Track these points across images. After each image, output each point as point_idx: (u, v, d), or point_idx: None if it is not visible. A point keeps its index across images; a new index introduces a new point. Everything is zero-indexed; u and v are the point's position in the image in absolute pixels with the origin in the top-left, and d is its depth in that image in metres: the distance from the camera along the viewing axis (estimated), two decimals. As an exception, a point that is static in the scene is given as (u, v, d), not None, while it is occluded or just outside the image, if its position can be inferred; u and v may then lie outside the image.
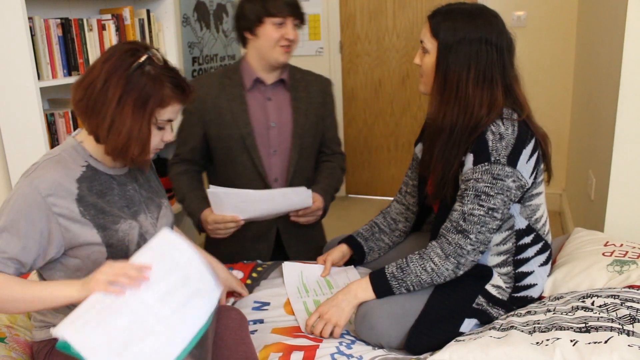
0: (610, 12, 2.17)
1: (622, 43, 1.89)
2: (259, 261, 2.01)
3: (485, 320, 1.53)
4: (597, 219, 2.16)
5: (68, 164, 1.29)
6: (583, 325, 1.30)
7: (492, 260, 1.56)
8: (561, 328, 1.30)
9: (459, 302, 1.52)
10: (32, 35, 2.07)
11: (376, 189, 4.22)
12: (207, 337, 1.36)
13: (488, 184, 1.44)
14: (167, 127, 1.31)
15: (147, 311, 1.11)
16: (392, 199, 1.90)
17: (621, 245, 1.67)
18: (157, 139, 1.30)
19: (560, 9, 3.43)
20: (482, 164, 1.45)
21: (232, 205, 1.81)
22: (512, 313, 1.49)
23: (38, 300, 1.17)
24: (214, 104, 1.99)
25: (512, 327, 1.37)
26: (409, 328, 1.49)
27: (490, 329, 1.40)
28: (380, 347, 1.51)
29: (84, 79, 1.26)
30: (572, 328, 1.30)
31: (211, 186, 1.78)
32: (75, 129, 2.25)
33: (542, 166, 1.55)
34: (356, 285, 1.55)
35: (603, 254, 1.64)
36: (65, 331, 1.02)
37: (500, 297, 1.55)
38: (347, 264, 1.90)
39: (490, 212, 1.45)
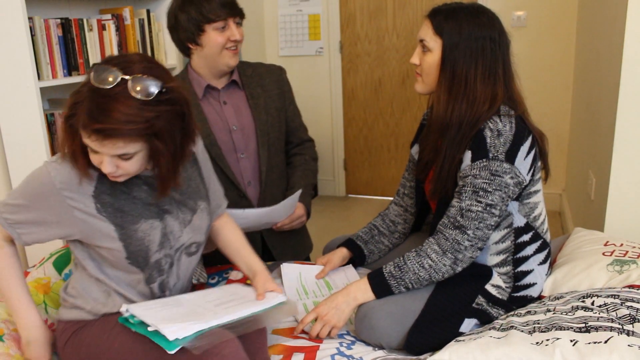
0: (610, 12, 2.17)
1: (622, 43, 1.89)
2: (259, 261, 2.00)
3: (485, 320, 1.53)
4: (597, 219, 2.16)
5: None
6: (583, 325, 1.30)
7: (491, 259, 1.56)
8: (561, 328, 1.30)
9: (458, 302, 1.52)
10: (32, 35, 2.07)
11: (376, 189, 4.22)
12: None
13: (486, 180, 1.45)
14: (100, 157, 1.18)
15: (198, 304, 1.35)
16: (392, 199, 1.90)
17: (621, 245, 1.68)
18: (94, 159, 1.20)
19: (560, 9, 3.43)
20: (480, 160, 1.45)
21: None
22: (512, 313, 1.49)
23: (6, 301, 1.36)
24: None
25: (512, 327, 1.37)
26: (409, 328, 1.49)
27: (490, 329, 1.40)
28: (380, 347, 1.51)
29: None
30: (572, 328, 1.30)
31: None
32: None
33: (539, 164, 1.56)
34: (355, 287, 1.55)
35: (603, 254, 1.64)
36: (132, 308, 1.29)
37: (500, 296, 1.55)
38: (346, 263, 1.90)
39: (488, 208, 1.45)
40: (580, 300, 1.43)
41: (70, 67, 2.27)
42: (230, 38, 1.84)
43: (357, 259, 1.85)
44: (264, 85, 2.02)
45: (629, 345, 1.22)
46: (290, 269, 1.87)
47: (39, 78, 2.10)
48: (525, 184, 1.50)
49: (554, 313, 1.39)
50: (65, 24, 2.23)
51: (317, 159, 2.16)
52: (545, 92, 3.55)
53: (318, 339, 1.52)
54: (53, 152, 2.17)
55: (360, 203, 4.14)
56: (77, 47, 2.28)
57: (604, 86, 2.23)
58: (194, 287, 1.75)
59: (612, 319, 1.31)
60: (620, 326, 1.28)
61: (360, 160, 4.20)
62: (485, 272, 1.56)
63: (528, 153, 1.48)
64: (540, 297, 1.61)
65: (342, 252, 1.86)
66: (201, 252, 1.49)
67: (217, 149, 1.93)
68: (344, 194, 4.26)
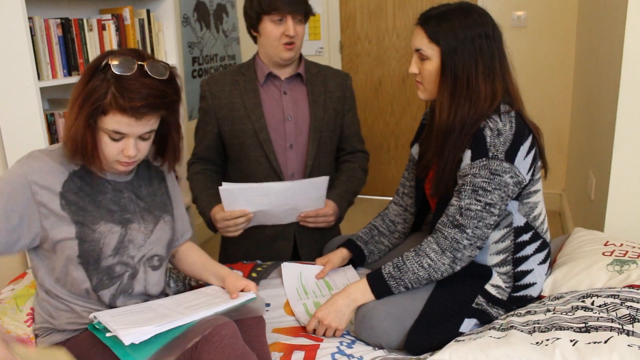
0: (610, 12, 2.17)
1: (622, 43, 1.89)
2: (259, 261, 2.00)
3: (485, 320, 1.53)
4: (597, 219, 2.16)
5: (61, 160, 1.33)
6: (583, 325, 1.30)
7: (491, 259, 1.56)
8: (561, 328, 1.30)
9: (458, 302, 1.52)
10: (32, 35, 2.07)
11: (376, 189, 4.22)
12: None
13: (485, 179, 1.45)
14: (126, 140, 1.28)
15: (170, 307, 1.35)
16: (392, 198, 1.90)
17: (621, 244, 1.68)
18: (111, 149, 1.29)
19: (560, 9, 3.43)
20: (480, 160, 1.45)
21: (245, 201, 1.78)
22: (511, 313, 1.49)
23: None
24: (228, 100, 1.98)
25: (512, 327, 1.37)
26: (409, 328, 1.49)
27: (490, 329, 1.40)
28: (380, 347, 1.52)
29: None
30: (572, 328, 1.30)
31: (224, 183, 1.75)
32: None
33: (539, 163, 1.56)
34: (354, 289, 1.55)
35: (603, 254, 1.64)
36: (100, 315, 1.30)
37: (500, 296, 1.55)
38: (346, 264, 1.89)
39: (487, 207, 1.45)
40: (580, 300, 1.43)
41: (70, 67, 2.27)
42: (285, 32, 1.88)
43: (357, 260, 1.85)
44: (327, 86, 2.05)
45: (629, 345, 1.21)
46: (290, 269, 1.87)
47: (39, 78, 2.09)
48: (525, 183, 1.50)
49: (554, 313, 1.39)
50: (65, 24, 2.23)
51: (367, 171, 2.17)
52: (545, 92, 3.54)
53: (322, 337, 1.52)
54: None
55: (360, 203, 4.14)
56: (77, 47, 2.28)
57: (604, 86, 2.23)
58: (192, 289, 1.75)
59: (612, 319, 1.31)
60: (620, 326, 1.28)
61: (360, 160, 4.20)
62: (485, 272, 1.56)
63: (528, 153, 1.48)
64: (540, 297, 1.61)
65: (342, 253, 1.85)
66: (165, 266, 1.50)
67: (266, 134, 1.96)
68: (344, 194, 4.26)
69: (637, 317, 1.31)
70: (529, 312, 1.45)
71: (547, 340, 1.28)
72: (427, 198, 1.74)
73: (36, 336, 1.43)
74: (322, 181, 1.84)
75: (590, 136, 2.54)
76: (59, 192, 1.31)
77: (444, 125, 1.51)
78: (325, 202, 1.93)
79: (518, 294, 1.56)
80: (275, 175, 1.99)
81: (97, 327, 1.28)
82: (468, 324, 1.52)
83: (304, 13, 1.92)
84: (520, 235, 1.54)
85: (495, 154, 1.44)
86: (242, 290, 1.44)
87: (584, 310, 1.36)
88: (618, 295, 1.40)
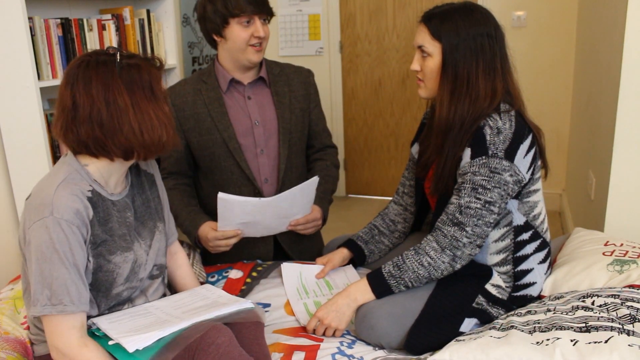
0: (610, 12, 2.17)
1: (622, 43, 1.89)
2: (259, 261, 2.00)
3: (485, 319, 1.53)
4: (597, 219, 2.16)
5: (76, 190, 1.22)
6: (583, 325, 1.30)
7: (491, 259, 1.56)
8: (561, 328, 1.30)
9: (458, 302, 1.52)
10: (32, 35, 2.07)
11: (376, 189, 4.22)
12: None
13: (485, 177, 1.45)
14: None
15: (167, 312, 1.33)
16: (392, 198, 1.90)
17: (621, 244, 1.68)
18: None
19: (560, 9, 3.43)
20: (480, 158, 1.45)
21: (240, 212, 1.72)
22: (512, 313, 1.49)
23: None
24: (192, 111, 1.93)
25: (512, 326, 1.37)
26: (409, 328, 1.49)
27: (490, 329, 1.40)
28: (381, 347, 1.52)
29: (78, 118, 1.20)
30: (572, 328, 1.30)
31: (221, 193, 1.67)
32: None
33: (539, 162, 1.56)
34: (355, 288, 1.55)
35: (603, 254, 1.64)
36: (98, 321, 1.27)
37: (500, 296, 1.55)
38: (346, 264, 1.89)
39: (487, 205, 1.45)
40: (581, 300, 1.43)
41: (70, 67, 2.27)
42: (254, 34, 1.84)
43: (357, 259, 1.85)
44: (291, 85, 2.01)
45: (629, 345, 1.21)
46: (290, 269, 1.87)
47: (39, 78, 2.10)
48: (524, 182, 1.50)
49: (554, 313, 1.39)
50: (65, 24, 2.23)
51: (338, 167, 2.15)
52: (545, 92, 3.55)
53: (322, 337, 1.52)
54: (53, 152, 2.17)
55: (361, 203, 4.14)
56: (77, 47, 2.28)
57: (604, 86, 2.23)
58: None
59: (612, 318, 1.31)
60: (620, 326, 1.28)
61: (360, 160, 4.20)
62: (485, 272, 1.56)
63: (528, 151, 1.49)
64: (540, 297, 1.61)
65: (343, 253, 1.85)
66: (165, 275, 1.49)
67: (235, 142, 1.93)
68: (344, 194, 4.26)
69: (637, 317, 1.31)
70: (529, 312, 1.45)
71: (548, 340, 1.28)
72: (427, 197, 1.74)
73: (32, 344, 1.38)
74: (312, 183, 1.78)
75: (590, 136, 2.54)
76: (89, 223, 1.23)
77: (444, 122, 1.52)
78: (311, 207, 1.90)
79: (518, 293, 1.56)
80: (249, 182, 1.95)
81: (97, 333, 1.26)
82: (468, 323, 1.52)
83: (269, 13, 1.87)
84: (520, 234, 1.54)
85: (495, 152, 1.45)
86: None
87: (585, 310, 1.36)
88: (618, 295, 1.40)
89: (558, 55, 3.50)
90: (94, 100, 1.19)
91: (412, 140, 1.80)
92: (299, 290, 1.77)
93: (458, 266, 1.49)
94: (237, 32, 1.83)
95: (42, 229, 1.17)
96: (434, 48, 1.51)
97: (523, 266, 1.56)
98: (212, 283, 1.85)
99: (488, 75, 1.49)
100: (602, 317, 1.32)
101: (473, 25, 1.48)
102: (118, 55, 1.22)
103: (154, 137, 1.23)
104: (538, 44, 3.51)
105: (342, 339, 1.54)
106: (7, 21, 1.98)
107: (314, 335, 1.54)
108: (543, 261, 1.59)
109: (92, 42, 2.36)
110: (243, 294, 1.77)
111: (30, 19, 2.05)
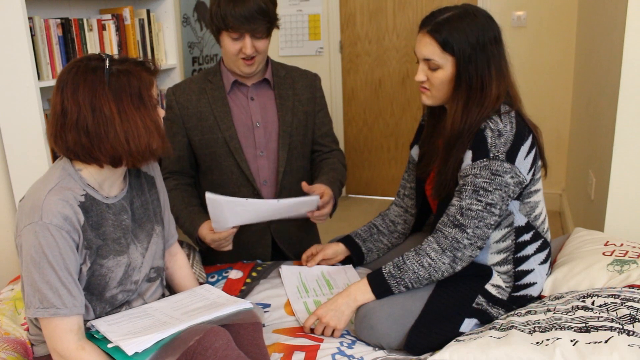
0: (610, 13, 2.17)
1: (622, 43, 1.89)
2: (259, 261, 2.00)
3: (485, 320, 1.53)
4: (597, 219, 2.16)
5: (68, 196, 1.22)
6: (583, 325, 1.30)
7: (491, 259, 1.56)
8: (561, 328, 1.30)
9: (458, 302, 1.52)
10: (32, 35, 2.07)
11: (376, 189, 4.22)
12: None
13: (486, 180, 1.45)
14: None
15: (166, 313, 1.33)
16: (392, 199, 1.90)
17: (621, 244, 1.68)
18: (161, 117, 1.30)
19: (560, 9, 3.43)
20: (481, 160, 1.45)
21: (230, 212, 1.71)
22: (512, 313, 1.49)
23: None
24: (196, 109, 1.93)
25: (512, 326, 1.37)
26: (409, 328, 1.49)
27: (490, 329, 1.40)
28: (381, 347, 1.52)
29: (66, 125, 1.20)
30: (572, 328, 1.30)
31: (208, 193, 1.66)
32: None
33: (539, 163, 1.56)
34: (355, 288, 1.55)
35: (603, 254, 1.64)
36: (97, 323, 1.28)
37: (500, 296, 1.55)
38: (345, 264, 1.89)
39: (488, 207, 1.45)
40: (581, 300, 1.43)
41: (70, 67, 2.27)
42: (242, 50, 1.82)
43: (354, 256, 1.85)
44: (295, 89, 2.00)
45: (629, 345, 1.22)
46: (290, 270, 1.87)
47: (39, 78, 2.10)
48: (525, 183, 1.50)
49: (554, 313, 1.39)
50: (65, 24, 2.23)
51: (346, 167, 2.12)
52: (545, 92, 3.55)
53: (322, 337, 1.52)
54: (53, 152, 2.17)
55: (360, 203, 4.14)
56: (77, 47, 2.28)
57: (604, 86, 2.23)
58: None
59: (612, 318, 1.31)
60: (620, 326, 1.28)
61: (360, 160, 4.20)
62: (485, 272, 1.56)
63: (528, 152, 1.48)
64: (540, 297, 1.61)
65: (338, 246, 1.85)
66: (164, 277, 1.49)
67: (237, 143, 1.93)
68: (344, 194, 4.26)
69: (637, 317, 1.31)
70: (529, 312, 1.45)
71: (548, 340, 1.28)
72: (427, 199, 1.74)
73: (32, 344, 1.38)
74: (313, 201, 1.77)
75: (590, 136, 2.54)
76: (81, 228, 1.23)
77: (457, 130, 1.50)
78: (318, 187, 1.83)
79: (518, 293, 1.56)
80: (248, 183, 1.95)
81: (96, 336, 1.26)
82: (468, 323, 1.52)
83: (262, 32, 1.81)
84: (521, 235, 1.54)
85: (496, 154, 1.44)
86: None
87: (584, 310, 1.36)
88: (618, 295, 1.40)
89: (558, 55, 3.50)
90: (81, 107, 1.19)
91: (411, 143, 1.80)
92: (299, 289, 1.77)
93: (458, 267, 1.49)
94: (227, 44, 1.83)
95: (31, 234, 1.17)
96: (445, 61, 1.48)
97: (523, 266, 1.56)
98: (212, 283, 1.85)
99: (499, 80, 1.48)
100: (602, 317, 1.32)
101: (481, 31, 1.45)
102: (107, 61, 1.21)
103: (140, 145, 1.23)
104: (538, 44, 3.51)
105: (342, 339, 1.54)
106: (7, 21, 1.98)
107: (314, 336, 1.54)
108: (544, 262, 1.59)
109: (92, 42, 2.36)
110: (243, 294, 1.77)
111: (30, 19, 2.05)
